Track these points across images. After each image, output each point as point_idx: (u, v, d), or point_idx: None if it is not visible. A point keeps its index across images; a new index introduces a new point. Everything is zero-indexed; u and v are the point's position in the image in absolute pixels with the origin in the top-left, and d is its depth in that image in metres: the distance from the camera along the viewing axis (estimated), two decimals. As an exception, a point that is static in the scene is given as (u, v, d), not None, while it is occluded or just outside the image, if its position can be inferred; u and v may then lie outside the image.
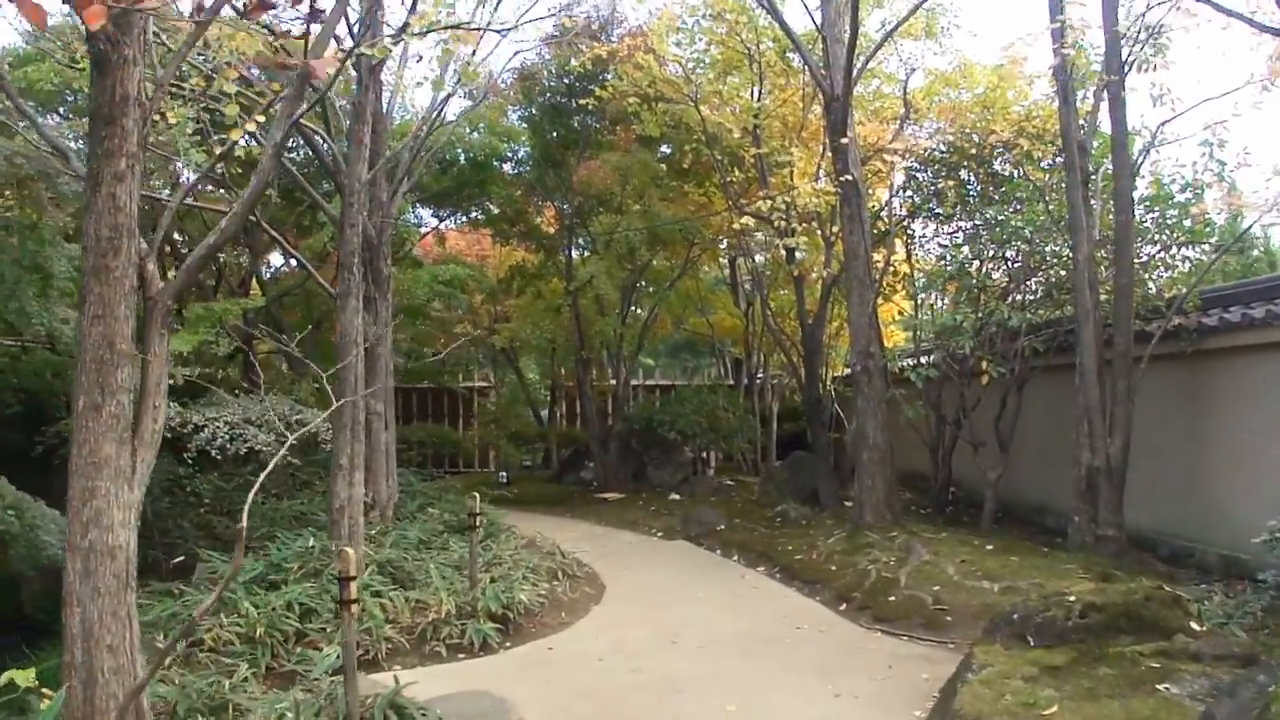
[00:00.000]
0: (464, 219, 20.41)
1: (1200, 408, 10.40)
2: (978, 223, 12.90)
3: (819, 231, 14.71)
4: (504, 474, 20.24)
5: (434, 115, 13.40)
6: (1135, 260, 10.55)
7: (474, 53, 12.50)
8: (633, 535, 14.52)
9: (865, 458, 12.21)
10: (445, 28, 7.19)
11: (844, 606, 9.77)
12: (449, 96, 13.10)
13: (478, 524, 9.52)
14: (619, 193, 16.27)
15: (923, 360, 12.41)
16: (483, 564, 10.56)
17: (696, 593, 10.57)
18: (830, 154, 12.90)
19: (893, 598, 9.42)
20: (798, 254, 14.69)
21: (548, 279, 19.46)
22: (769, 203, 12.03)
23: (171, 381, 12.06)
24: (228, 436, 12.04)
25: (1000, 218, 11.87)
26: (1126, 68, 10.24)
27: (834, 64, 12.13)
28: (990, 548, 10.70)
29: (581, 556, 12.69)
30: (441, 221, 20.45)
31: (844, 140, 11.96)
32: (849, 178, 11.95)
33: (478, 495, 9.87)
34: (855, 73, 12.26)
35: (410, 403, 25.56)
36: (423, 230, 20.47)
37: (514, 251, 21.32)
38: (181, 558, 11.37)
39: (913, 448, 14.57)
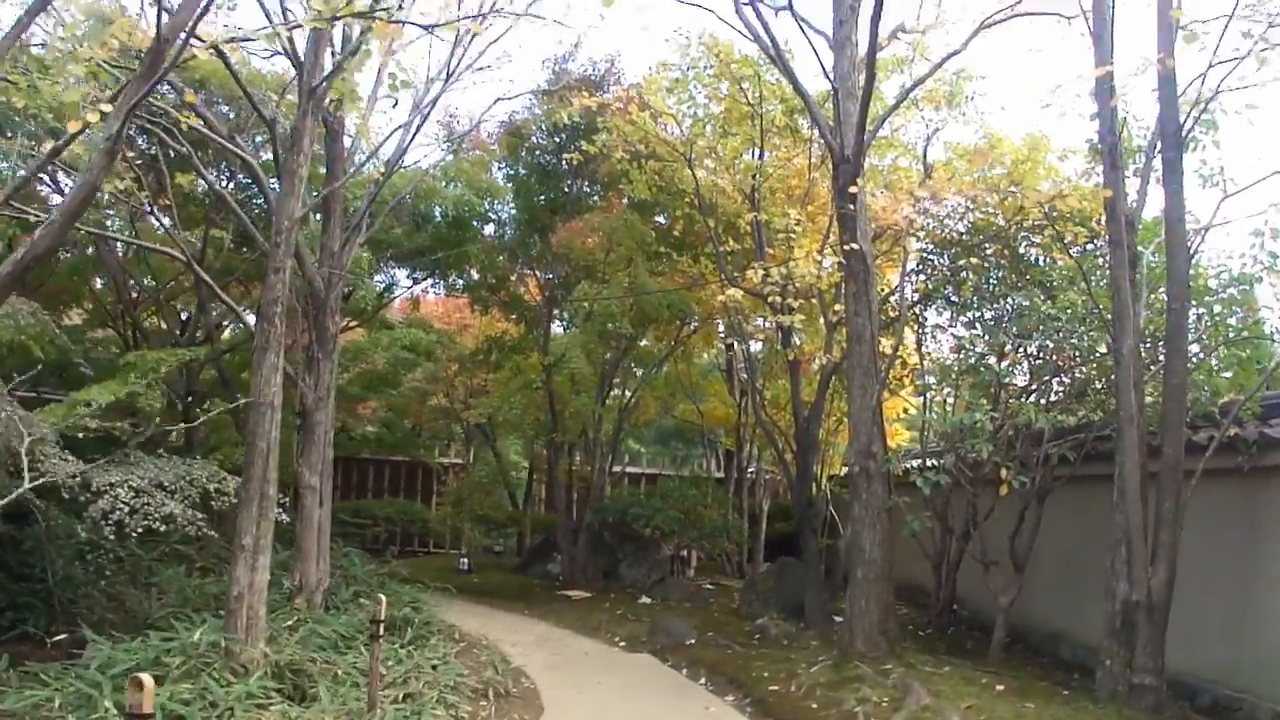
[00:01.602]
0: (441, 283, 18.90)
1: (1256, 533, 8.74)
2: (999, 312, 11.40)
3: (821, 317, 13.20)
4: (465, 560, 18.47)
5: (397, 155, 11.97)
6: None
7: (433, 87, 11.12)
8: (592, 644, 12.76)
9: (859, 574, 10.52)
10: (357, 14, 5.71)
11: (823, 762, 8.07)
12: (414, 132, 11.64)
13: (380, 632, 7.82)
14: (602, 259, 14.78)
15: (930, 464, 10.76)
16: (396, 677, 8.89)
17: (647, 727, 8.86)
18: (836, 223, 11.42)
19: (884, 755, 7.72)
20: (795, 337, 13.12)
21: (528, 353, 17.93)
22: (762, 275, 10.48)
23: (79, 435, 10.71)
24: (127, 508, 10.47)
25: (1027, 303, 10.36)
26: (1184, 131, 8.76)
27: (845, 121, 10.73)
28: (1001, 688, 9.04)
29: (527, 666, 11.02)
30: (417, 284, 18.99)
31: (852, 207, 10.51)
32: (854, 247, 10.45)
33: (392, 596, 8.31)
34: (869, 135, 10.88)
35: (382, 475, 24.17)
36: (396, 293, 19.07)
37: (496, 322, 19.99)
38: (66, 634, 9.73)
39: (913, 557, 12.87)
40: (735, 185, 13.10)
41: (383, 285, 18.51)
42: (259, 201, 13.89)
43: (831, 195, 11.56)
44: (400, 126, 11.40)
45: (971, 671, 9.68)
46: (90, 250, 14.43)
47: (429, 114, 11.60)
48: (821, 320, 13.10)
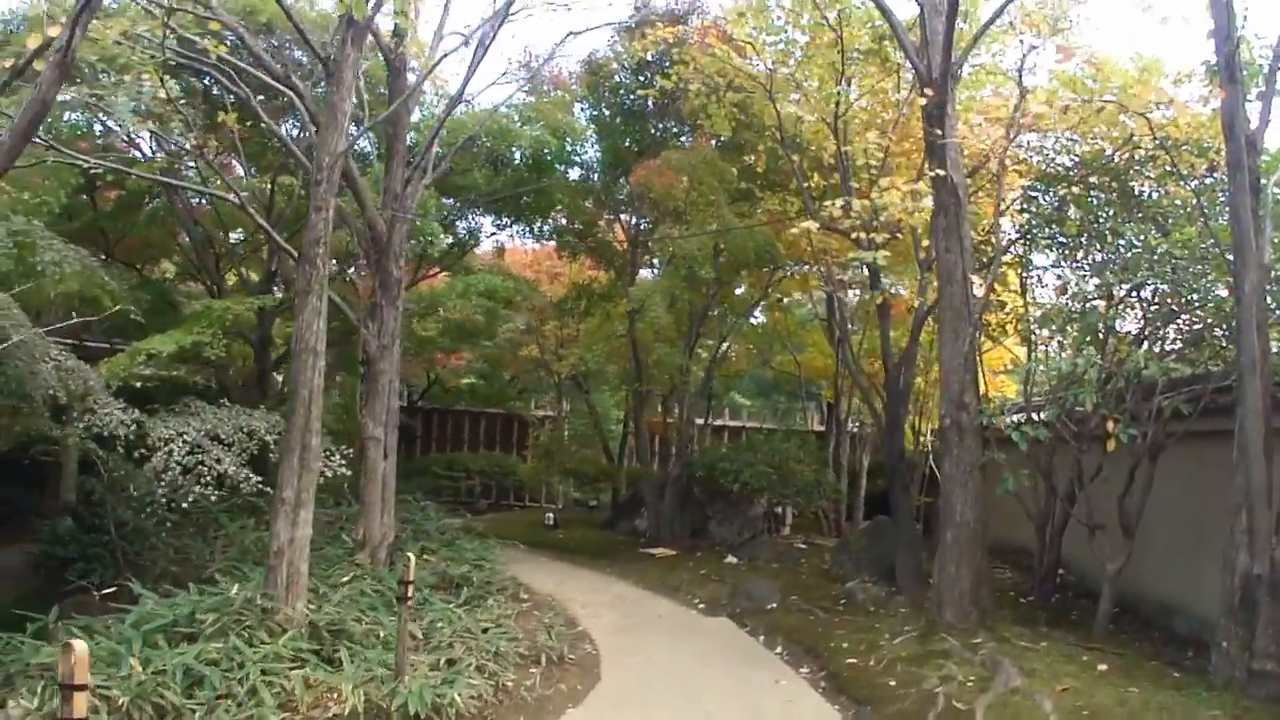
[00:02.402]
0: (527, 230, 18.28)
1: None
2: (1108, 251, 10.29)
3: (915, 256, 12.19)
4: (550, 515, 17.93)
5: (459, 91, 11.34)
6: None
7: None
8: (669, 605, 12.09)
9: (949, 537, 9.61)
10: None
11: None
12: (475, 65, 10.98)
13: (407, 594, 7.25)
14: (683, 200, 13.93)
15: (1032, 417, 9.76)
16: (441, 640, 8.36)
17: (706, 702, 8.14)
18: (926, 153, 10.41)
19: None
20: (884, 279, 12.11)
21: (616, 300, 17.18)
22: (842, 206, 9.54)
23: (136, 384, 10.41)
24: (180, 467, 10.12)
25: (1139, 242, 9.26)
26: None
27: (932, 40, 9.72)
28: (1104, 667, 8.15)
29: (594, 630, 10.43)
30: (501, 230, 18.42)
31: (941, 133, 9.51)
32: (942, 174, 9.44)
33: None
34: (958, 56, 9.87)
35: (478, 428, 23.83)
36: (481, 240, 18.55)
37: (587, 270, 19.33)
38: (115, 586, 9.40)
39: (1015, 517, 11.81)
40: (820, 117, 12.10)
41: (465, 232, 18.06)
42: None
43: (923, 128, 10.52)
44: (443, 55, 10.71)
45: (1072, 647, 8.76)
46: (159, 200, 14.14)
47: (489, 46, 10.95)
48: (914, 259, 12.07)
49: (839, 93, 11.62)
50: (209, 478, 10.16)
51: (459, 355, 22.79)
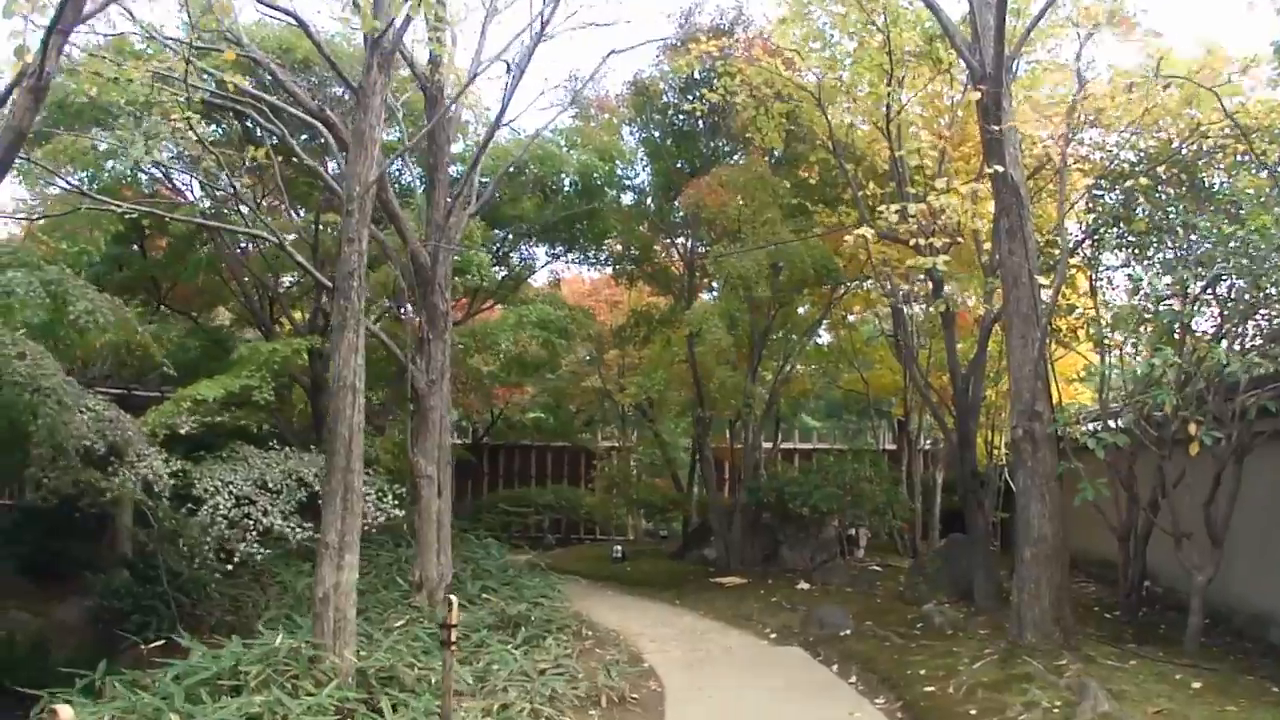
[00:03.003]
0: (582, 258, 18.04)
1: None
2: (1181, 246, 9.73)
3: (977, 261, 11.69)
4: (619, 548, 17.54)
5: (498, 115, 11.10)
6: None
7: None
8: (739, 637, 11.65)
9: (1027, 554, 9.07)
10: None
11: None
12: (512, 90, 10.75)
13: (451, 638, 6.90)
14: (736, 218, 13.56)
15: (1109, 424, 9.20)
16: (497, 684, 8.01)
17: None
18: (984, 151, 9.92)
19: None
20: (946, 287, 11.60)
21: (676, 326, 16.81)
22: (898, 212, 9.08)
23: (184, 431, 10.25)
24: (226, 521, 9.92)
25: (1213, 233, 8.70)
26: None
27: (983, 34, 9.31)
28: (1198, 685, 7.63)
29: (660, 666, 10.02)
30: (555, 260, 18.20)
31: (998, 129, 9.05)
32: (1002, 170, 8.98)
33: (455, 602, 7.38)
34: (1011, 50, 9.43)
35: (544, 462, 23.59)
36: (535, 271, 18.38)
37: (648, 297, 19.08)
38: (165, 639, 9.20)
39: (1096, 528, 11.20)
40: (872, 123, 11.68)
41: (519, 263, 17.90)
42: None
43: (979, 124, 10.04)
44: (475, 75, 10.48)
45: (1162, 664, 8.22)
46: (208, 246, 14.08)
47: (526, 67, 10.73)
48: (978, 265, 11.57)
49: (890, 94, 11.18)
50: (255, 531, 9.98)
51: (522, 389, 22.62)
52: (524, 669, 8.44)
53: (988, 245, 10.98)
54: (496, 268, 17.82)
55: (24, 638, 10.37)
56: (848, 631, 11.07)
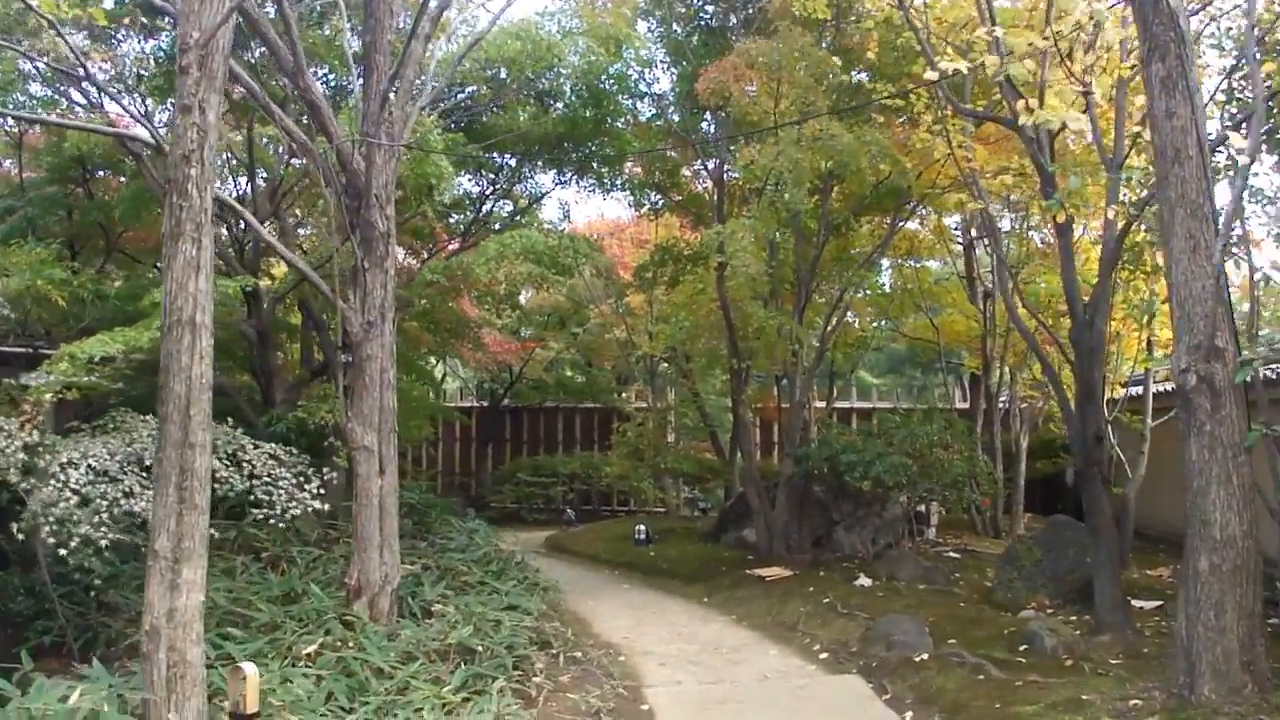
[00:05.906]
0: (596, 185, 15.13)
1: None
2: None
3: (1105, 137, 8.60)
4: (641, 528, 14.66)
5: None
6: None
7: None
8: (778, 657, 8.80)
9: (1204, 565, 5.95)
10: None
11: None
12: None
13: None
14: (771, 108, 10.56)
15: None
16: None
17: None
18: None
19: None
20: (1060, 183, 8.38)
21: (709, 263, 13.86)
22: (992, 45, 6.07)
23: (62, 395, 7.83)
24: (78, 492, 7.36)
25: None
26: None
27: None
28: None
29: (666, 706, 7.35)
30: (562, 186, 15.39)
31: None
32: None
33: (254, 673, 4.80)
34: None
35: (572, 425, 21.21)
36: (540, 199, 15.67)
37: (680, 230, 16.47)
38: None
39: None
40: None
41: (523, 196, 15.28)
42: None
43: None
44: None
45: None
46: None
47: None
48: (1102, 148, 8.45)
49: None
50: (109, 514, 7.39)
51: (542, 343, 20.09)
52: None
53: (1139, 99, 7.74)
54: (496, 200, 15.17)
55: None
56: (924, 655, 8.13)
